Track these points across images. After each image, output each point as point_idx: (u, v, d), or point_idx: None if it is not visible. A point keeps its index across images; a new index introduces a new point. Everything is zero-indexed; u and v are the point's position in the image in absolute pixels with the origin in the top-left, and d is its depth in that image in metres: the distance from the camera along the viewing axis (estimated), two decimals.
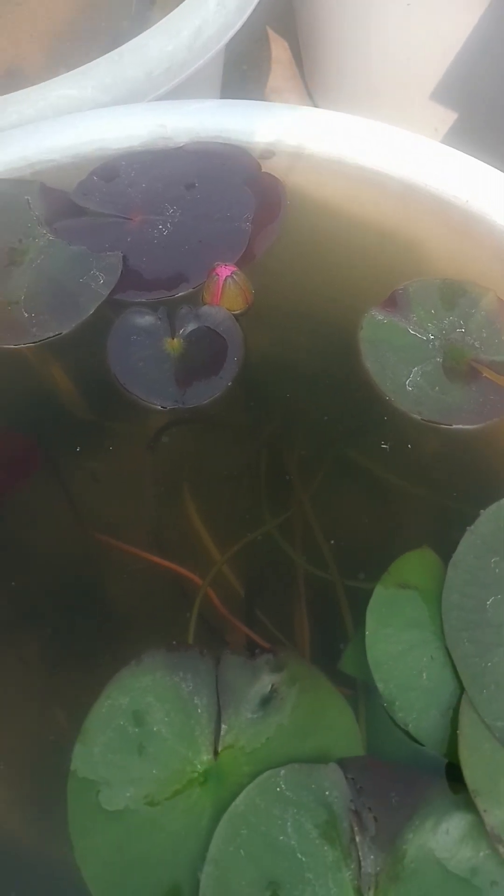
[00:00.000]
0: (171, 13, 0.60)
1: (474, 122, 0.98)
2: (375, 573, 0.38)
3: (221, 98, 0.85)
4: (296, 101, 1.17)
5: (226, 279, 0.47)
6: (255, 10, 0.67)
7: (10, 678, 0.39)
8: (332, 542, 0.41)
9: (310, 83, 1.15)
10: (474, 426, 0.44)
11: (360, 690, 0.36)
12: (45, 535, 0.43)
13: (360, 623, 0.37)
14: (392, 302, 0.49)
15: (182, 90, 0.61)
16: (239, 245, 0.51)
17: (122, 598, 0.41)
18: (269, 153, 0.55)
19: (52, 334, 0.47)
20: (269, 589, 0.42)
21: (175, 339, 0.47)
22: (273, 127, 0.55)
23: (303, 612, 0.40)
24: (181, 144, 0.55)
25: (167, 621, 0.39)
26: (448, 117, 0.97)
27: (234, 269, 0.47)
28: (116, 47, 0.59)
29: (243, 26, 0.66)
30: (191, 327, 0.48)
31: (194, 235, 0.51)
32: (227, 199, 0.53)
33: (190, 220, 0.52)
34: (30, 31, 0.72)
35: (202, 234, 0.51)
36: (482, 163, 0.52)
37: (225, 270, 0.47)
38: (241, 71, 1.20)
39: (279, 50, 1.23)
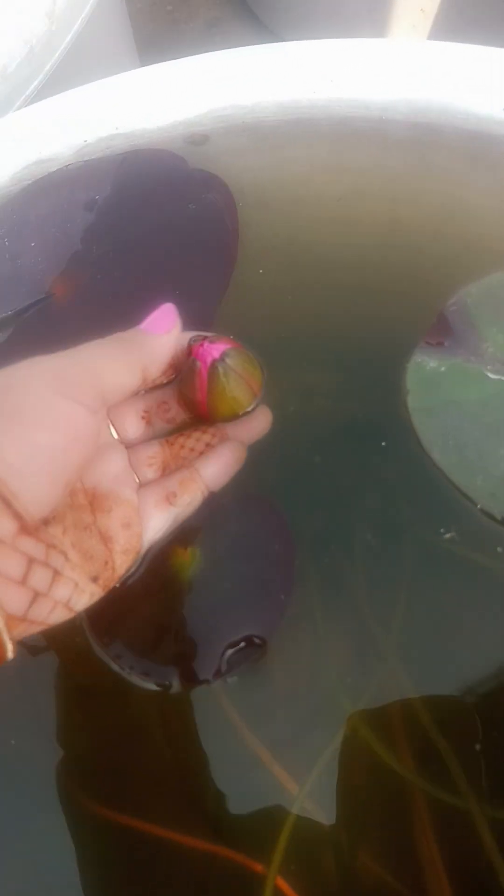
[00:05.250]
0: None
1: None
2: None
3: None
4: (243, 32, 0.94)
5: (213, 365, 0.24)
6: None
7: None
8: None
9: (254, 4, 0.92)
10: None
11: None
12: None
13: None
14: (443, 328, 0.30)
15: (68, 74, 0.42)
16: (219, 263, 0.32)
17: None
18: (198, 138, 0.36)
19: None
20: (377, 832, 0.25)
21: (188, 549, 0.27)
22: (198, 93, 0.36)
23: (438, 869, 0.24)
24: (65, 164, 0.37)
25: None
26: None
27: (228, 345, 0.24)
28: None
29: None
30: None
31: (139, 272, 0.33)
32: (157, 213, 0.34)
33: (120, 255, 0.34)
34: None
35: (147, 269, 0.33)
36: None
37: (211, 349, 0.24)
38: (167, 13, 0.98)
39: None
